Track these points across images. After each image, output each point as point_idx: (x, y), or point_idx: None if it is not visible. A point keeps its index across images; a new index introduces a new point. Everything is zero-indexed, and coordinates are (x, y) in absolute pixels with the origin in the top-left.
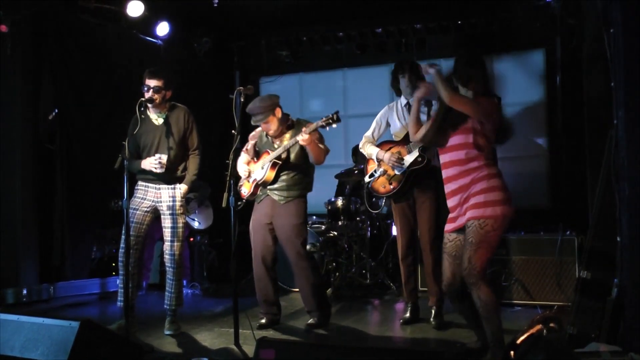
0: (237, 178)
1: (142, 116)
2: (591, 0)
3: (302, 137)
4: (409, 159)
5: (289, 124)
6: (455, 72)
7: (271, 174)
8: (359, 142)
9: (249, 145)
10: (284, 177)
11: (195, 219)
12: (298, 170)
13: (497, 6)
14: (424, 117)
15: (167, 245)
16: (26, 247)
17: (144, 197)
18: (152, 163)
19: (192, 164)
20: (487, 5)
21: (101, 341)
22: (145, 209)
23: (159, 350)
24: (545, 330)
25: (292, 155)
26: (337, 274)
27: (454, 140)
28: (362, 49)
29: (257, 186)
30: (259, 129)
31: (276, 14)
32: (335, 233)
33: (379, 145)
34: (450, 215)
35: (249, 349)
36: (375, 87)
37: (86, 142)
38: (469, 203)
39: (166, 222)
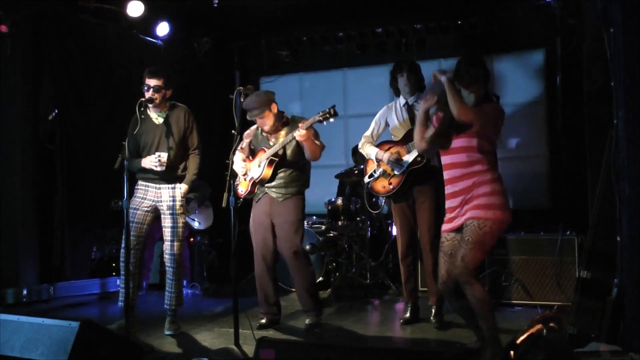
0: (237, 178)
1: (142, 116)
2: (591, 0)
3: (300, 133)
4: (408, 158)
5: (284, 121)
6: (458, 74)
7: (268, 172)
8: (359, 142)
9: (244, 143)
10: (281, 175)
11: (195, 219)
12: (295, 167)
13: (497, 6)
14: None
15: (167, 245)
16: (26, 247)
17: (144, 196)
18: (152, 161)
19: (192, 164)
20: (487, 5)
21: (101, 341)
22: (146, 208)
23: (159, 350)
24: (545, 330)
25: (289, 152)
26: (337, 274)
27: (457, 142)
28: (362, 49)
29: (254, 184)
30: (254, 127)
31: (276, 14)
32: (336, 233)
33: (378, 146)
34: (448, 216)
35: (249, 349)
36: (375, 87)
37: (86, 142)
38: (470, 204)
39: (166, 222)
